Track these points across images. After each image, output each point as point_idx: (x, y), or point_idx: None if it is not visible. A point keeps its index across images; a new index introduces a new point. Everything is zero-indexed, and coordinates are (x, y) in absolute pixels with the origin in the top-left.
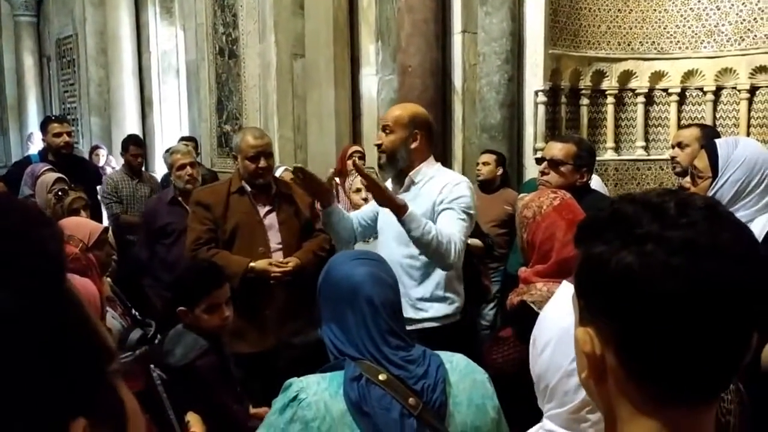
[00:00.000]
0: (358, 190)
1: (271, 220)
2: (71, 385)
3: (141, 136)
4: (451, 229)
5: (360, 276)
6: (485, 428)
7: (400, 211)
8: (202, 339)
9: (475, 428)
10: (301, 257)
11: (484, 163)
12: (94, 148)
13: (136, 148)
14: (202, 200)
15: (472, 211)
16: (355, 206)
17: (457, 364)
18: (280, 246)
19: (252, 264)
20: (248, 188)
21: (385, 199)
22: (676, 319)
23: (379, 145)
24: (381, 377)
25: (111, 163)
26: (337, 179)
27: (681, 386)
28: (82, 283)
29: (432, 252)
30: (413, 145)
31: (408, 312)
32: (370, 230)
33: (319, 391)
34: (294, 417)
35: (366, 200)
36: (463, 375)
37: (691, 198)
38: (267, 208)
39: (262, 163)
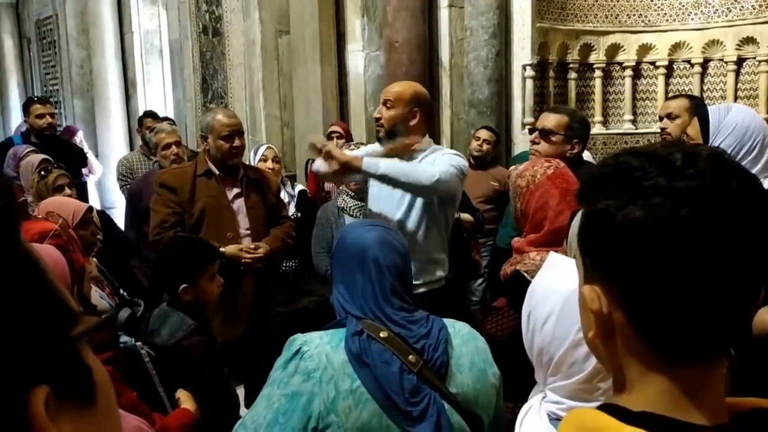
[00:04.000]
0: None
1: (239, 204)
2: (30, 349)
3: (126, 117)
4: (429, 167)
5: (369, 239)
6: (485, 392)
7: (358, 167)
8: (188, 318)
9: (476, 390)
10: (270, 244)
11: (485, 141)
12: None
13: (153, 122)
14: (166, 182)
15: (462, 169)
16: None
17: (459, 330)
18: (248, 231)
19: (222, 249)
20: (216, 171)
21: (348, 169)
22: (685, 270)
23: (378, 119)
24: (382, 334)
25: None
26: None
27: (690, 341)
28: (44, 249)
29: (404, 184)
30: (412, 122)
31: None
32: None
33: (321, 345)
34: (297, 369)
35: None
36: (466, 340)
37: (697, 149)
38: (235, 191)
39: (237, 142)
